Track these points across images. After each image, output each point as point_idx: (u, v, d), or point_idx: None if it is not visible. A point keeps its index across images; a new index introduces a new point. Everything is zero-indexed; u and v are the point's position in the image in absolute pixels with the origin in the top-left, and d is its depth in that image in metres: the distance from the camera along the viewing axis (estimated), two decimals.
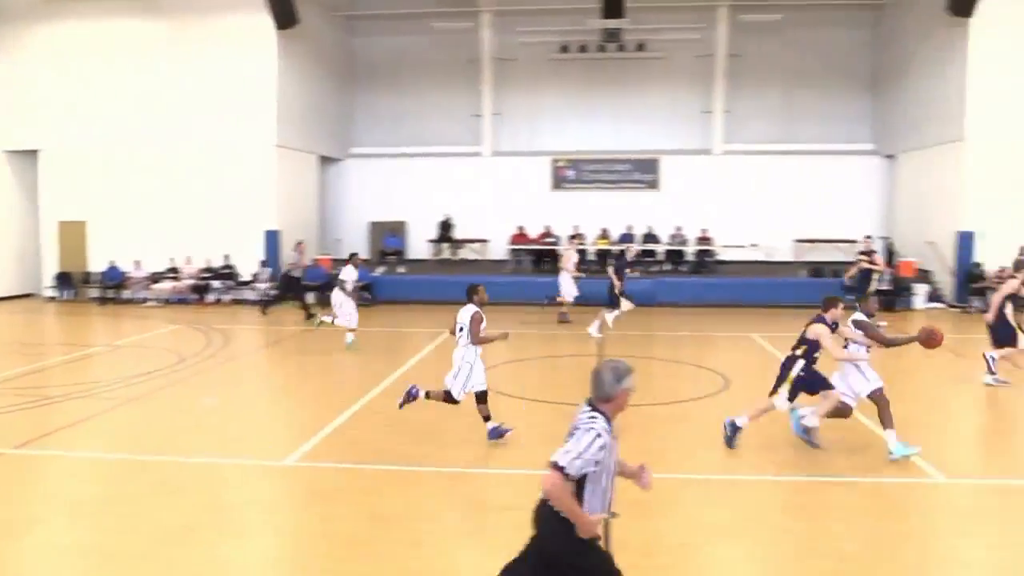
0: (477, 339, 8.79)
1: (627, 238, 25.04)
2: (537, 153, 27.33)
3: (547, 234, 25.35)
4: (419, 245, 26.85)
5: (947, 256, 21.99)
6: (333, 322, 15.30)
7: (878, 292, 18.50)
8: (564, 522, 3.94)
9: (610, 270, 17.18)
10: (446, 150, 27.49)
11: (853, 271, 18.80)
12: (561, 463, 3.88)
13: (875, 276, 18.11)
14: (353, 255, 16.04)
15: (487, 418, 8.97)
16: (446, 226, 26.12)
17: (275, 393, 12.65)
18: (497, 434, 8.94)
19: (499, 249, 26.09)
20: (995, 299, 12.31)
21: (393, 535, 6.54)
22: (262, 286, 22.00)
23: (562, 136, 27.73)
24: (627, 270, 17.41)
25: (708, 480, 7.98)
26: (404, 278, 23.42)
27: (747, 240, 25.34)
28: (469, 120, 27.67)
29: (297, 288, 19.82)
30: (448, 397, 8.88)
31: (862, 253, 18.37)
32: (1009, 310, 12.02)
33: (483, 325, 8.83)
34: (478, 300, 8.96)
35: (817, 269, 23.53)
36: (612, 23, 24.06)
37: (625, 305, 16.90)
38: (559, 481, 3.87)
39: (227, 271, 22.65)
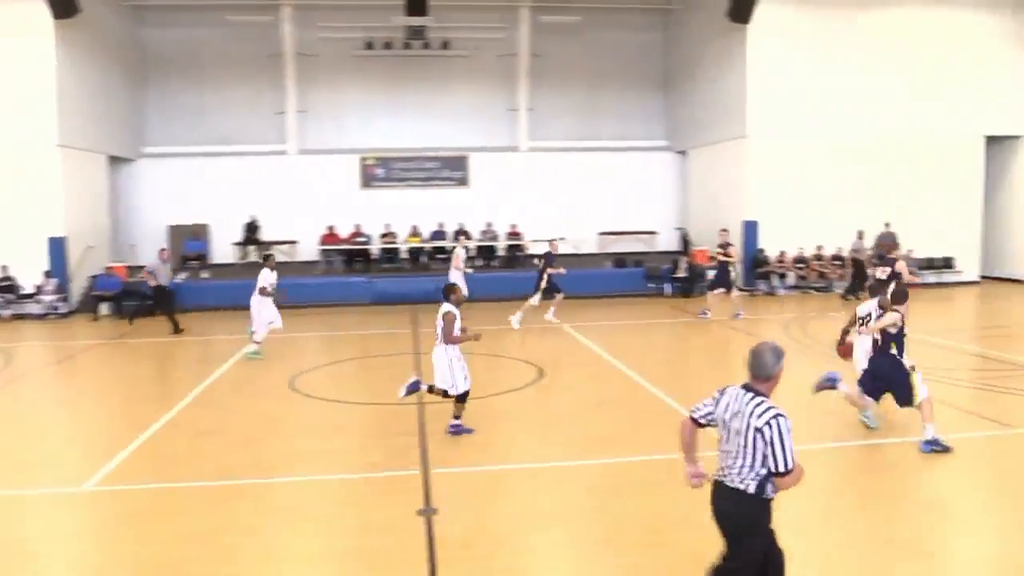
0: (450, 338, 8.87)
1: (438, 235, 25.22)
2: (345, 151, 26.84)
3: (358, 233, 24.96)
4: (224, 248, 25.62)
5: (736, 244, 23.76)
6: (252, 336, 14.40)
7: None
8: (760, 499, 4.37)
9: (540, 263, 17.63)
10: (249, 149, 26.39)
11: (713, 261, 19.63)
12: (790, 465, 4.22)
13: (731, 268, 18.56)
14: (269, 256, 15.45)
15: (455, 415, 9.11)
16: (252, 228, 25.07)
17: (71, 413, 11.59)
18: (456, 431, 9.04)
19: (309, 250, 25.42)
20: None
21: (204, 554, 6.22)
22: (48, 298, 20.22)
23: (370, 134, 27.41)
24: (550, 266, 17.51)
25: (530, 468, 8.17)
26: (209, 283, 22.24)
27: (555, 234, 26.10)
28: (273, 117, 26.72)
29: (167, 299, 18.10)
30: (446, 395, 9.02)
31: (719, 247, 19.01)
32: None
33: (457, 324, 8.89)
34: (455, 300, 9.04)
35: (620, 260, 24.72)
36: (416, 21, 24.03)
37: (535, 299, 17.25)
38: (798, 471, 4.29)
39: (6, 283, 20.61)
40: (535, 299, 17.37)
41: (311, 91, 26.92)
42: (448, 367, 8.94)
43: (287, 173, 26.36)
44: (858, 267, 21.21)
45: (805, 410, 9.11)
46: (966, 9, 23.98)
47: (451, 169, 27.06)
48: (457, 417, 9.14)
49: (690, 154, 27.42)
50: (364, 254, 24.58)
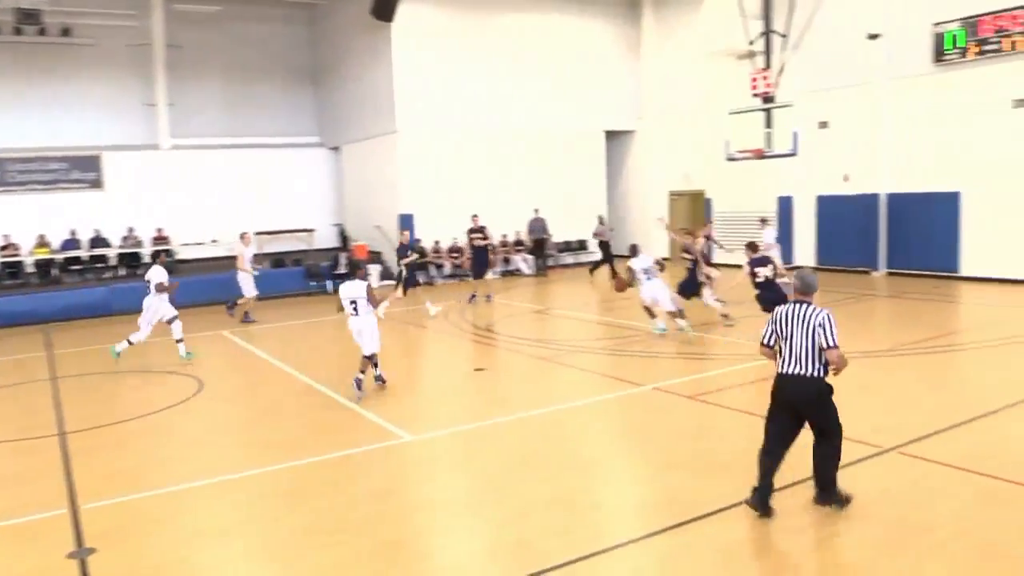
0: (376, 302, 11.03)
1: (71, 244, 22.69)
2: None
3: None
4: None
5: (392, 237, 24.31)
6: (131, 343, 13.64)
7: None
8: (823, 379, 6.10)
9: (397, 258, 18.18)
10: None
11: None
12: (836, 342, 5.97)
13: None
14: (159, 253, 14.78)
15: (363, 371, 10.65)
16: None
17: None
18: (358, 385, 10.44)
19: None
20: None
21: None
22: None
23: None
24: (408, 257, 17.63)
25: (196, 487, 7.68)
26: None
27: (207, 236, 24.79)
28: None
29: None
30: (370, 359, 10.78)
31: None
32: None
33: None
34: (361, 275, 10.95)
35: (279, 260, 24.11)
36: (26, 3, 21.27)
37: (398, 292, 17.61)
38: (841, 351, 6.01)
39: None
40: (399, 292, 17.49)
41: None
42: (372, 331, 10.71)
43: None
44: (604, 247, 23.25)
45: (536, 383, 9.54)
46: (587, 17, 26.90)
47: (81, 170, 24.32)
48: (363, 371, 10.66)
49: (344, 150, 27.49)
50: None
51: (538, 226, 24.36)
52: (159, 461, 8.58)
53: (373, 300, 10.77)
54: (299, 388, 11.56)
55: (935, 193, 19.69)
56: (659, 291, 13.50)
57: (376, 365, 11.02)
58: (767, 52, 19.51)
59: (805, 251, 22.93)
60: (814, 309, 6.12)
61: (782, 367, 6.22)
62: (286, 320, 18.20)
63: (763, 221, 19.44)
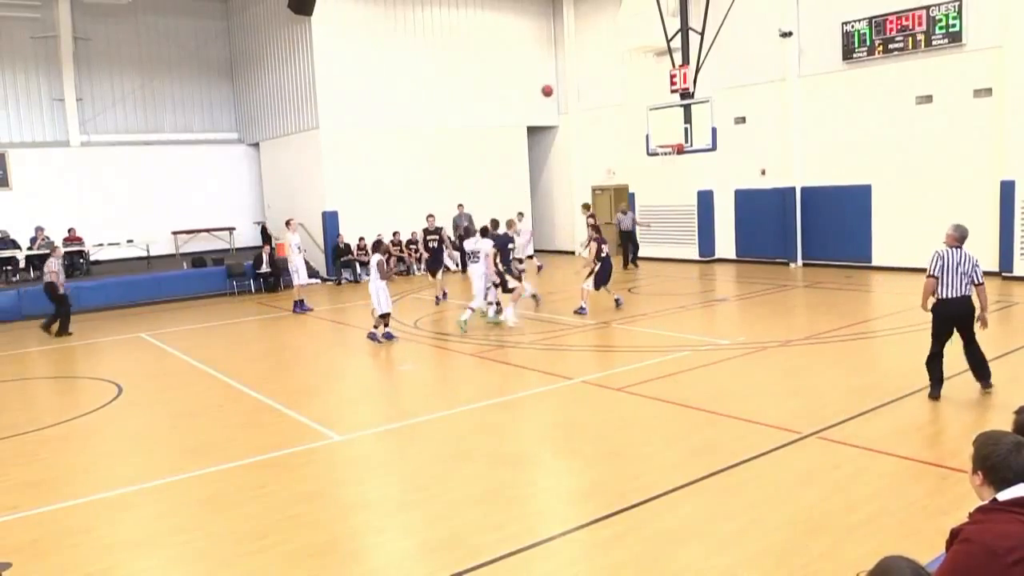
0: (386, 276, 13.88)
1: None
2: None
3: None
4: None
5: (315, 234, 23.98)
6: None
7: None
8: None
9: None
10: None
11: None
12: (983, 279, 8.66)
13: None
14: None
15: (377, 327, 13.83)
16: None
17: None
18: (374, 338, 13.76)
19: None
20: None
21: None
22: None
23: None
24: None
25: (118, 495, 7.44)
26: None
27: (122, 236, 24.00)
28: None
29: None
30: (385, 317, 13.88)
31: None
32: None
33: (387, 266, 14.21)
34: (384, 249, 14.83)
35: (199, 259, 23.50)
36: None
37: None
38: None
39: None
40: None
41: None
42: (382, 294, 13.68)
43: None
44: (626, 236, 23.51)
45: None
46: (507, 12, 27.00)
47: None
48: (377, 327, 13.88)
49: (263, 146, 26.96)
50: None
51: (464, 221, 24.30)
52: (78, 469, 8.28)
53: (383, 271, 13.72)
54: (222, 391, 11.31)
55: (848, 187, 20.41)
56: (476, 277, 15.13)
57: (387, 324, 13.98)
58: (684, 49, 19.89)
59: (726, 244, 23.49)
60: (966, 254, 8.59)
61: (944, 292, 8.56)
62: (208, 321, 17.74)
63: (520, 215, 22.23)
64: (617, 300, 15.97)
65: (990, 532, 2.84)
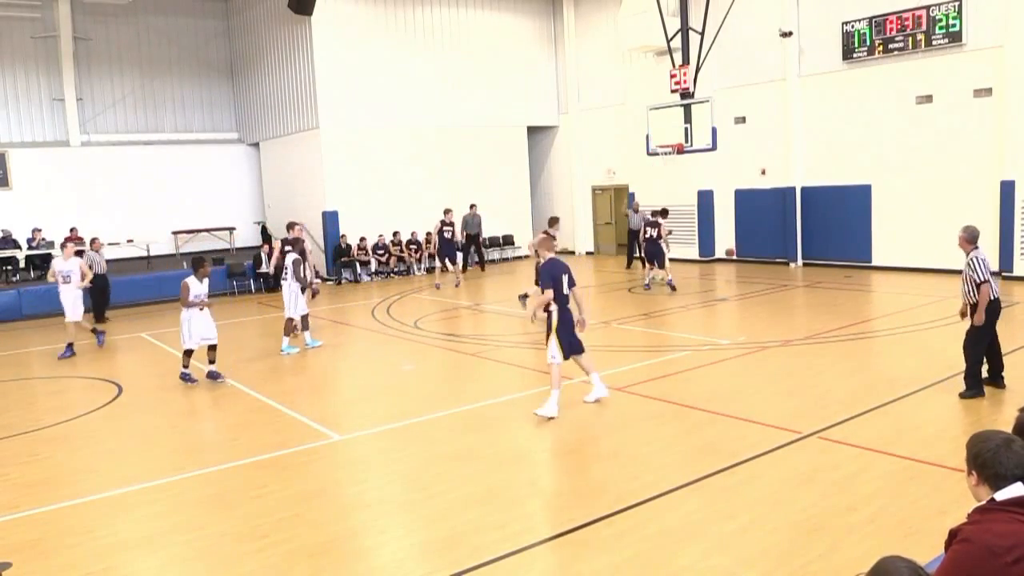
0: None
1: None
2: None
3: None
4: None
5: (315, 234, 23.97)
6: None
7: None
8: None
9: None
10: None
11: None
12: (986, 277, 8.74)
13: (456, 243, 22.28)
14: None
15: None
16: None
17: None
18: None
19: None
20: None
21: None
22: None
23: None
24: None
25: (117, 496, 7.45)
26: None
27: (123, 236, 24.02)
28: None
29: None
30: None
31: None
32: None
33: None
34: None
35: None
36: None
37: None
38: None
39: None
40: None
41: None
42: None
43: None
44: (634, 235, 23.17)
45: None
46: (507, 12, 26.98)
47: None
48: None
49: (263, 146, 26.96)
50: None
51: (474, 221, 24.27)
52: (78, 469, 8.29)
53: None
54: (223, 391, 11.32)
55: (848, 186, 20.40)
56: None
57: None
58: (685, 49, 19.89)
59: (726, 243, 23.48)
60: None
61: (993, 292, 8.75)
62: None
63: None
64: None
65: (989, 532, 2.85)
